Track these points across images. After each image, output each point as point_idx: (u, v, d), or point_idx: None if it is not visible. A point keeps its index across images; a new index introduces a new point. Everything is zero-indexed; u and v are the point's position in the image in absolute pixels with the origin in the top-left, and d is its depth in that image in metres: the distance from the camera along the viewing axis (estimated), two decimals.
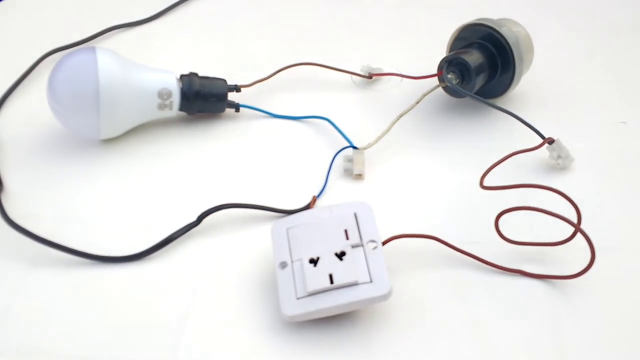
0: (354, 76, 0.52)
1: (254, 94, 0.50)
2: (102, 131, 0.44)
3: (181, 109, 0.47)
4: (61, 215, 0.41)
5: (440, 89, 0.45)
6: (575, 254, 0.35)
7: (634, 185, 0.42)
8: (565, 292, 0.35)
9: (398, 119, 0.44)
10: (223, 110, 0.48)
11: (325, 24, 0.60)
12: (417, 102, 0.45)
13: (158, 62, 0.49)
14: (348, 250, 0.34)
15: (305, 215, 0.37)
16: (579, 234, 0.34)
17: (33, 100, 0.51)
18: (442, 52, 0.48)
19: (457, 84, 0.45)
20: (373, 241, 0.35)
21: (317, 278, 0.33)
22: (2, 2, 0.65)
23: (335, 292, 0.33)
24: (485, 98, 0.45)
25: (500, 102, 0.48)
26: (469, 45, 0.46)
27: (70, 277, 0.37)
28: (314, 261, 0.34)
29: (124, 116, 0.45)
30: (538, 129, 0.42)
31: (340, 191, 0.42)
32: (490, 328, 0.34)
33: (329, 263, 0.34)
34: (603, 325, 0.33)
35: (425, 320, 0.34)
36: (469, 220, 0.39)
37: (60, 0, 0.65)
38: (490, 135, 0.46)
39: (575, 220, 0.35)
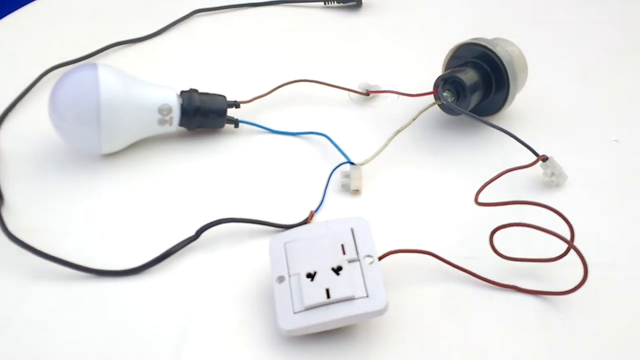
0: (351, 93, 0.53)
1: (252, 110, 0.50)
2: (103, 146, 0.45)
3: (181, 124, 0.47)
4: (61, 229, 0.41)
5: (436, 106, 0.46)
6: (568, 270, 0.35)
7: (627, 202, 0.42)
8: (558, 308, 0.35)
9: (395, 136, 0.45)
10: (222, 126, 0.49)
11: (324, 41, 0.61)
12: (414, 119, 0.45)
13: (158, 78, 0.50)
14: (345, 265, 0.35)
15: (302, 230, 0.37)
16: (572, 251, 0.35)
17: (35, 115, 0.51)
18: (438, 71, 0.49)
19: (452, 101, 0.45)
20: (369, 256, 0.35)
21: (314, 292, 0.34)
22: (4, 18, 0.66)
23: (331, 307, 0.33)
24: (480, 116, 0.46)
25: (495, 119, 0.48)
26: (464, 64, 0.47)
27: (69, 291, 0.37)
28: (311, 276, 0.34)
29: (125, 131, 0.45)
30: (532, 146, 0.43)
31: (338, 206, 0.43)
32: (485, 343, 0.34)
33: (325, 278, 0.34)
34: (596, 341, 0.34)
35: (420, 335, 0.34)
36: (464, 235, 0.40)
37: (63, 16, 0.66)
38: (485, 152, 0.46)
39: (568, 237, 0.35)
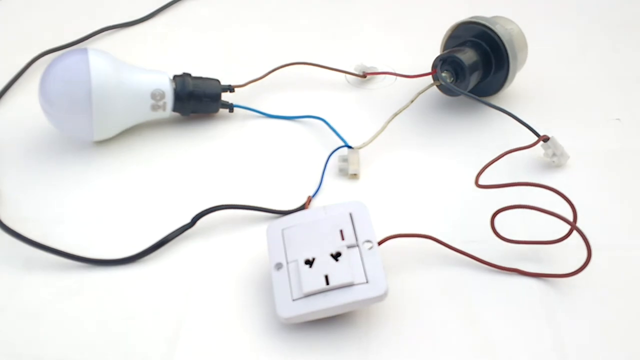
0: (348, 75, 0.52)
1: (247, 94, 0.49)
2: (95, 133, 0.44)
3: (175, 109, 0.47)
4: (54, 218, 0.41)
5: (434, 87, 0.45)
6: (571, 252, 0.35)
7: (629, 182, 0.42)
8: (561, 290, 0.35)
9: (393, 118, 0.44)
10: (217, 111, 0.48)
11: (319, 23, 0.60)
12: (412, 101, 0.45)
13: (151, 62, 0.49)
14: (344, 251, 0.34)
15: (300, 216, 0.37)
16: (574, 232, 0.34)
17: (25, 102, 0.50)
18: (436, 51, 0.48)
19: (451, 82, 0.44)
20: (369, 241, 0.35)
21: (312, 279, 0.33)
22: None
23: (331, 293, 0.33)
24: (479, 96, 0.45)
25: (495, 100, 0.48)
26: (463, 44, 0.46)
27: (63, 281, 0.37)
28: (309, 262, 0.34)
29: (117, 118, 0.44)
30: (533, 126, 0.42)
31: (336, 191, 0.42)
32: (487, 327, 0.34)
33: (324, 264, 0.34)
34: (600, 323, 0.33)
35: (421, 319, 0.34)
36: (465, 219, 0.39)
37: (53, 1, 0.64)
38: (485, 133, 0.46)
39: (571, 218, 0.35)
